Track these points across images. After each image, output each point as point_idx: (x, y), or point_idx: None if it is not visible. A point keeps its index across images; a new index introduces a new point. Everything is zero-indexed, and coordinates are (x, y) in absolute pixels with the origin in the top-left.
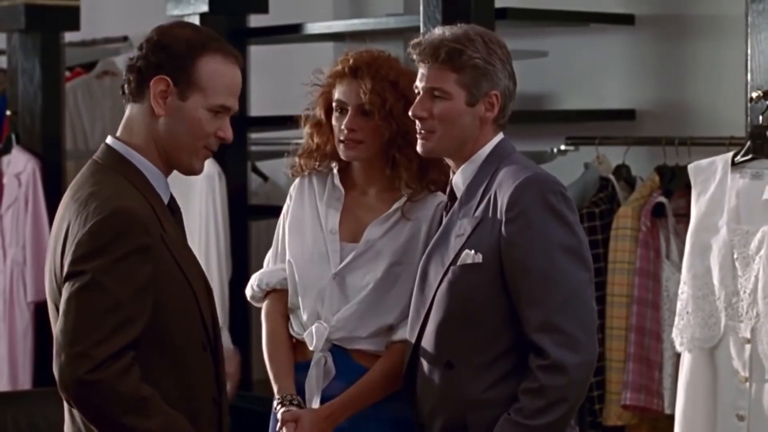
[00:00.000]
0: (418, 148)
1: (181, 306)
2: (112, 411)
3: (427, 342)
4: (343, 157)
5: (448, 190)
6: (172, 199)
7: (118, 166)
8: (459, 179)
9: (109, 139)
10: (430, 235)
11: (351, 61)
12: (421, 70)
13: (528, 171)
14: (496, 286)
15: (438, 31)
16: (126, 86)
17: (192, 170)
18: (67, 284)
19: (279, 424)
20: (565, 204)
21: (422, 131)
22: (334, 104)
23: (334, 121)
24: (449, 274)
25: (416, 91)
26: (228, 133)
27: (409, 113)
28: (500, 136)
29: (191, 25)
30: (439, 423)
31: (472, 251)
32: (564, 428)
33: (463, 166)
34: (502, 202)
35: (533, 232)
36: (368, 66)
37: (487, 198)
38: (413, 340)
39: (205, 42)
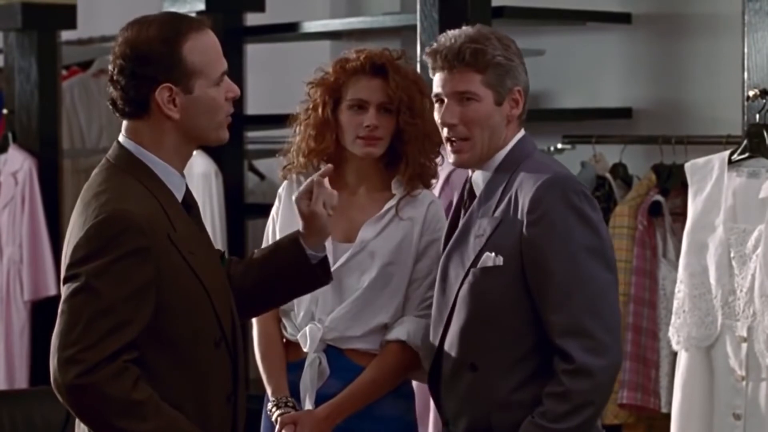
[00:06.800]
0: (451, 160)
1: (190, 304)
2: (105, 415)
3: (451, 344)
4: (358, 154)
5: (467, 187)
6: (188, 193)
7: (129, 165)
8: (479, 177)
9: (121, 137)
10: (422, 235)
11: (374, 59)
12: (441, 76)
13: (549, 171)
14: (518, 287)
15: (449, 34)
16: (120, 105)
17: (222, 141)
18: (64, 287)
19: (278, 427)
20: (587, 203)
21: (454, 140)
22: (349, 101)
23: (347, 119)
24: (470, 276)
25: (437, 98)
26: (235, 90)
27: (437, 121)
28: (521, 133)
29: (151, 20)
30: (464, 424)
31: (493, 254)
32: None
33: (483, 167)
34: (524, 203)
35: (556, 233)
36: (391, 64)
37: (507, 198)
38: (436, 342)
39: (176, 29)
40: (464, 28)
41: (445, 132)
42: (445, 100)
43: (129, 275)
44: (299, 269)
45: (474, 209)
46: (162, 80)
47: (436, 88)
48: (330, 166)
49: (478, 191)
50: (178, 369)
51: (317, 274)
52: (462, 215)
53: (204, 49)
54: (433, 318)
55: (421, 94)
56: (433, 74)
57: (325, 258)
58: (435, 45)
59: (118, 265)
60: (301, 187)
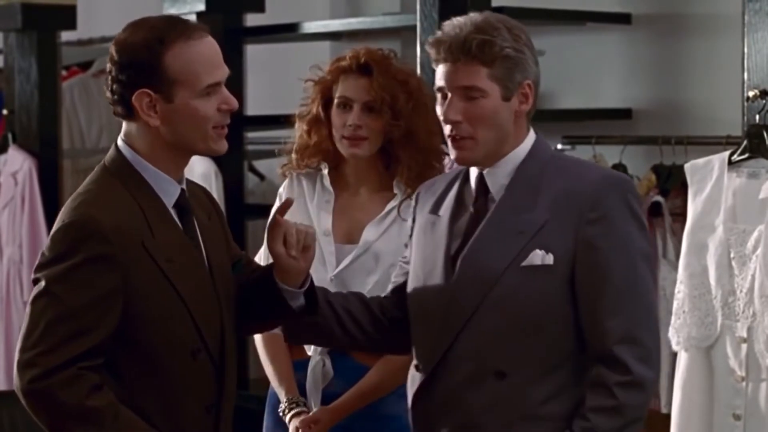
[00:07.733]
0: (454, 157)
1: (163, 313)
2: (60, 421)
3: (469, 348)
4: (344, 154)
5: (473, 186)
6: (182, 197)
7: (119, 170)
8: (495, 176)
9: (119, 140)
10: None
11: (360, 58)
12: (444, 69)
13: (600, 169)
14: (564, 290)
15: (454, 23)
16: (113, 107)
17: (214, 153)
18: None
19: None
20: (640, 207)
21: (457, 137)
22: (336, 100)
23: (334, 117)
24: (509, 275)
25: (440, 93)
26: (231, 102)
27: (440, 117)
28: (533, 133)
29: (144, 24)
30: None
31: (542, 251)
32: None
33: (497, 164)
34: (582, 200)
35: (617, 235)
36: (378, 63)
37: (552, 195)
38: (444, 346)
39: (162, 36)
40: (471, 15)
41: (447, 129)
42: (449, 94)
43: (89, 282)
44: (274, 304)
45: (499, 207)
46: (141, 85)
47: (439, 81)
48: (289, 199)
49: (495, 189)
50: (150, 377)
51: (292, 310)
52: (470, 213)
53: (191, 58)
54: (436, 319)
55: (407, 95)
56: (436, 66)
57: (310, 290)
58: (439, 34)
59: (79, 272)
60: (269, 220)
